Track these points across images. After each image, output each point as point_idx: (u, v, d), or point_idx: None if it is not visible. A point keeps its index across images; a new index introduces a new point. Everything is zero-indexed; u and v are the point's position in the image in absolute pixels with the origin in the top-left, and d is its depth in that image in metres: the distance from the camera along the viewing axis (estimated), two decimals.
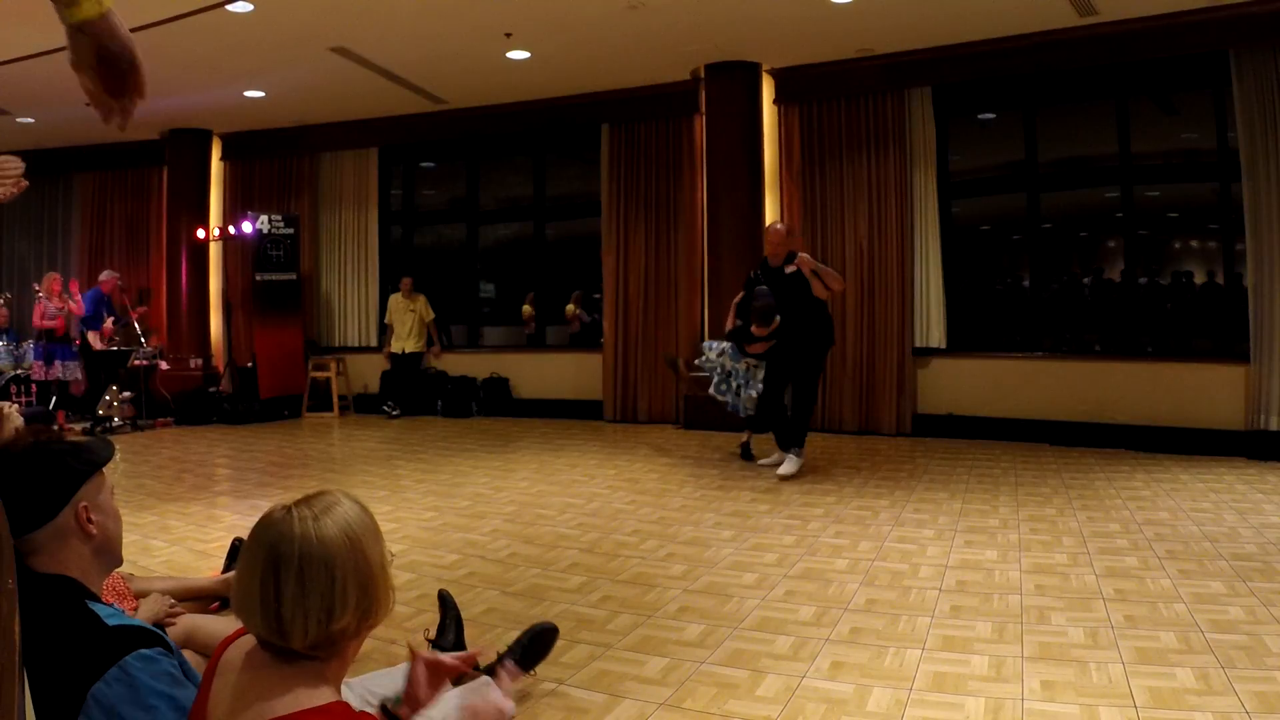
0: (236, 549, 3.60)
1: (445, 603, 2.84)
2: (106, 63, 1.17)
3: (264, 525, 1.32)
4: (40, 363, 8.87)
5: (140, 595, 2.78)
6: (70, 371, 9.12)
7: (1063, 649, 2.82)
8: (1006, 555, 3.93)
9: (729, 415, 7.99)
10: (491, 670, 2.47)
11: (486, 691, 2.31)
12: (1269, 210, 6.40)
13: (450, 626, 2.75)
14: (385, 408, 9.61)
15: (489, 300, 11.61)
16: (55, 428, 8.40)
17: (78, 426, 8.55)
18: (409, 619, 3.18)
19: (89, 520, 1.74)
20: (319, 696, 1.30)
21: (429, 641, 2.70)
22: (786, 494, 5.35)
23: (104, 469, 1.84)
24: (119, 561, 1.89)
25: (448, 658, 1.87)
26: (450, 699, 2.27)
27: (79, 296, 9.23)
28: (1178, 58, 6.85)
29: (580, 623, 3.17)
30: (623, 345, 8.89)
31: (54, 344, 9.11)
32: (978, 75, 7.56)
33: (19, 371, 8.65)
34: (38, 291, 9.27)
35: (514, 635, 3.01)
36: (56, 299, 9.16)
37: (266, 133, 10.32)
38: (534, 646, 2.57)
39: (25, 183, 2.03)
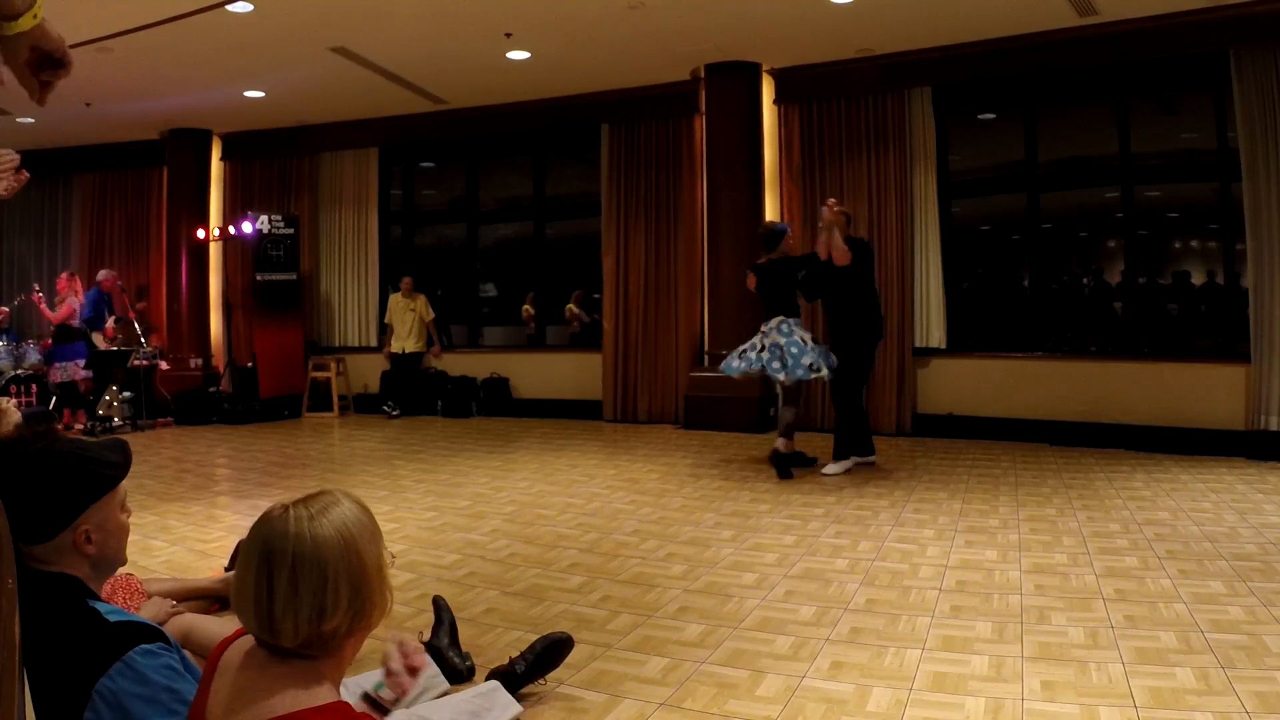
0: None
1: (439, 608, 2.84)
2: (38, 55, 1.32)
3: (261, 523, 1.32)
4: (49, 364, 8.87)
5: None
6: (79, 371, 9.14)
7: (1063, 649, 2.82)
8: (1006, 555, 3.93)
9: (730, 415, 8.01)
10: (501, 674, 2.47)
11: (495, 695, 2.31)
12: (1269, 210, 6.39)
13: (444, 631, 2.75)
14: (385, 408, 9.61)
15: (489, 300, 11.61)
16: (61, 426, 8.42)
17: (77, 426, 8.55)
18: (408, 619, 3.18)
19: (88, 541, 1.73)
20: (318, 696, 1.30)
21: (423, 643, 2.70)
22: (786, 494, 5.35)
23: (118, 485, 1.80)
24: (119, 566, 1.89)
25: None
26: (458, 702, 2.27)
27: (67, 295, 9.22)
28: (1177, 58, 6.84)
29: (580, 623, 3.17)
30: (623, 345, 8.89)
31: (63, 344, 9.11)
32: (978, 75, 7.56)
33: (19, 371, 8.65)
34: (41, 292, 9.29)
35: (514, 635, 3.03)
36: (73, 296, 9.20)
37: (266, 133, 10.32)
38: (547, 655, 2.57)
39: (25, 174, 2.03)
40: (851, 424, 6.02)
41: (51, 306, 9.15)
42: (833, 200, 6.02)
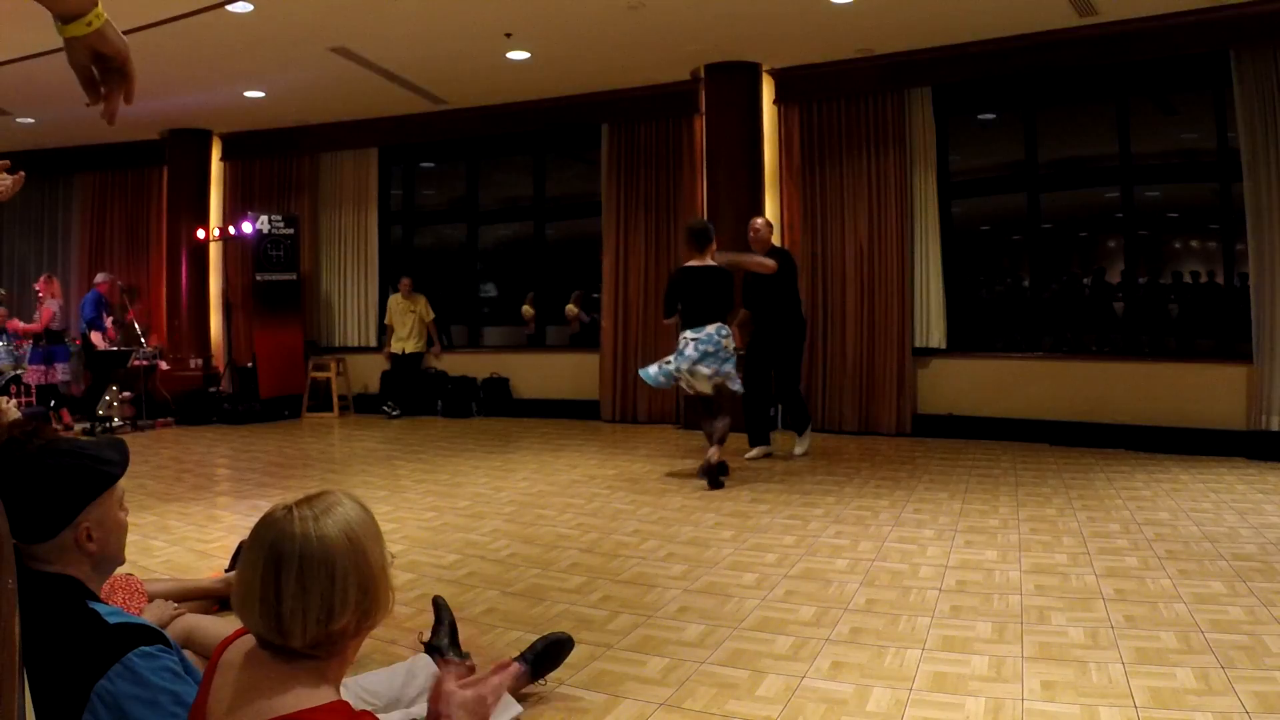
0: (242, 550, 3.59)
1: (439, 608, 2.83)
2: (101, 61, 1.32)
3: (265, 524, 1.32)
4: (41, 366, 8.86)
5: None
6: (64, 372, 9.12)
7: (1063, 649, 2.82)
8: (1006, 555, 3.93)
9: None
10: None
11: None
12: (1269, 210, 6.39)
13: (444, 631, 2.75)
14: (385, 408, 9.61)
15: (489, 300, 11.61)
16: (56, 426, 8.41)
17: (77, 427, 8.55)
18: (409, 619, 3.18)
19: (89, 539, 1.73)
20: (320, 696, 1.30)
21: (423, 644, 2.70)
22: (786, 494, 5.35)
23: (117, 481, 1.80)
24: (118, 565, 1.89)
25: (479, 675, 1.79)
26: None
27: (45, 298, 9.18)
28: (1177, 58, 6.84)
29: (580, 623, 3.17)
30: (622, 345, 8.88)
31: (51, 345, 9.10)
32: (977, 75, 7.55)
33: (19, 372, 8.64)
34: (38, 294, 9.28)
35: (514, 636, 3.03)
36: (51, 299, 9.17)
37: (266, 133, 10.31)
38: (547, 655, 2.57)
39: (21, 175, 2.02)
40: (766, 411, 6.86)
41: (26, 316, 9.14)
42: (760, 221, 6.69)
